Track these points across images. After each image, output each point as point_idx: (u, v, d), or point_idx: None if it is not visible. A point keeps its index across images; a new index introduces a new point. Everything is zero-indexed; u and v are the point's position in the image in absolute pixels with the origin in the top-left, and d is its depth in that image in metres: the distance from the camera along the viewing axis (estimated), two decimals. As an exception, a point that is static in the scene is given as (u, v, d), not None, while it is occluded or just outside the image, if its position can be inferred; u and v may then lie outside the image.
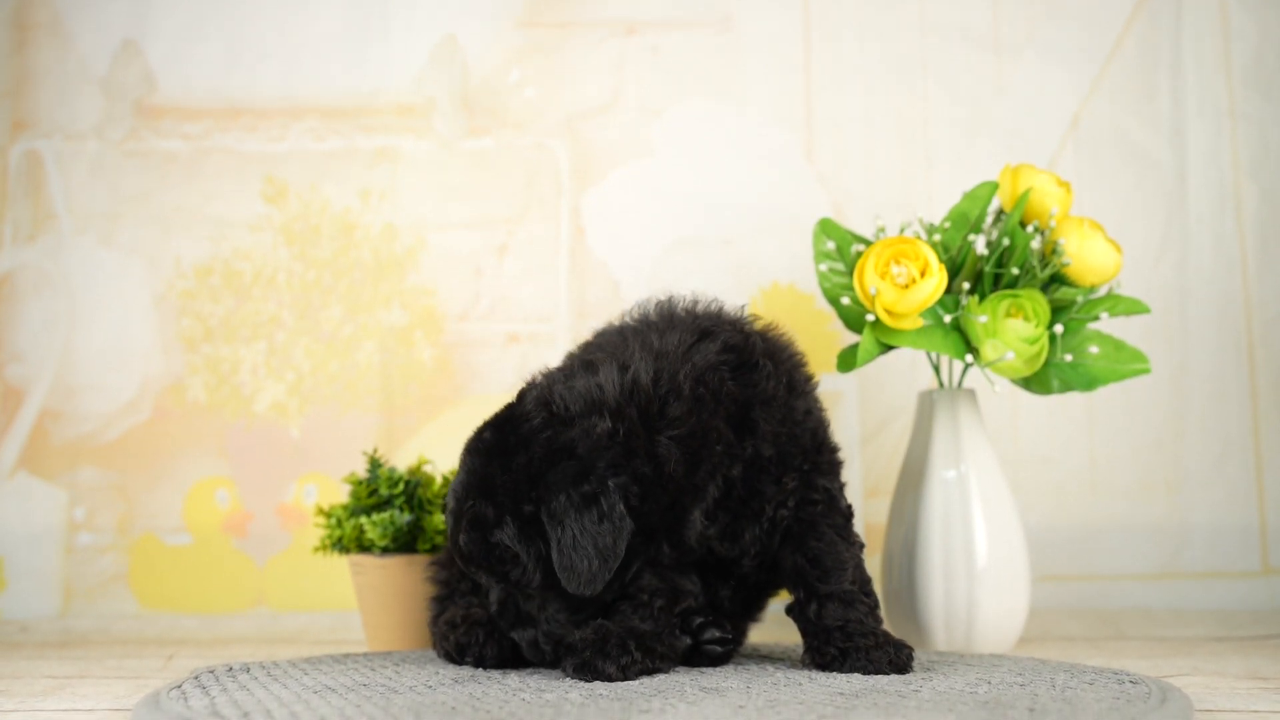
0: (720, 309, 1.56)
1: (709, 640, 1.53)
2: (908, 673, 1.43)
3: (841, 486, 1.55)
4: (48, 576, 2.26)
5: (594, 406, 1.40)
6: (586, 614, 1.43)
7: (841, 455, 1.58)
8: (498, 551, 1.39)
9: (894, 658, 1.43)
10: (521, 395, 1.45)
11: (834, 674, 1.43)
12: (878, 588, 2.19)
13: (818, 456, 1.52)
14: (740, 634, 1.68)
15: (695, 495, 1.44)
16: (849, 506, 1.55)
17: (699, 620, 1.53)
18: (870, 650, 1.43)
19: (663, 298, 1.56)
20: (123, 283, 2.33)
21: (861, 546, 1.53)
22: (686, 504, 1.43)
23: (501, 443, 1.41)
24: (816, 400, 1.56)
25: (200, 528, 2.28)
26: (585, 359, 1.49)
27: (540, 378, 1.47)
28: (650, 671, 1.41)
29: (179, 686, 1.33)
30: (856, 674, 1.43)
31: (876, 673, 1.42)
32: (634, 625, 1.42)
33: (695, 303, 1.56)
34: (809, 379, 1.56)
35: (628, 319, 1.56)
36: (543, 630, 1.43)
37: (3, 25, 2.37)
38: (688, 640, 1.53)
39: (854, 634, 1.46)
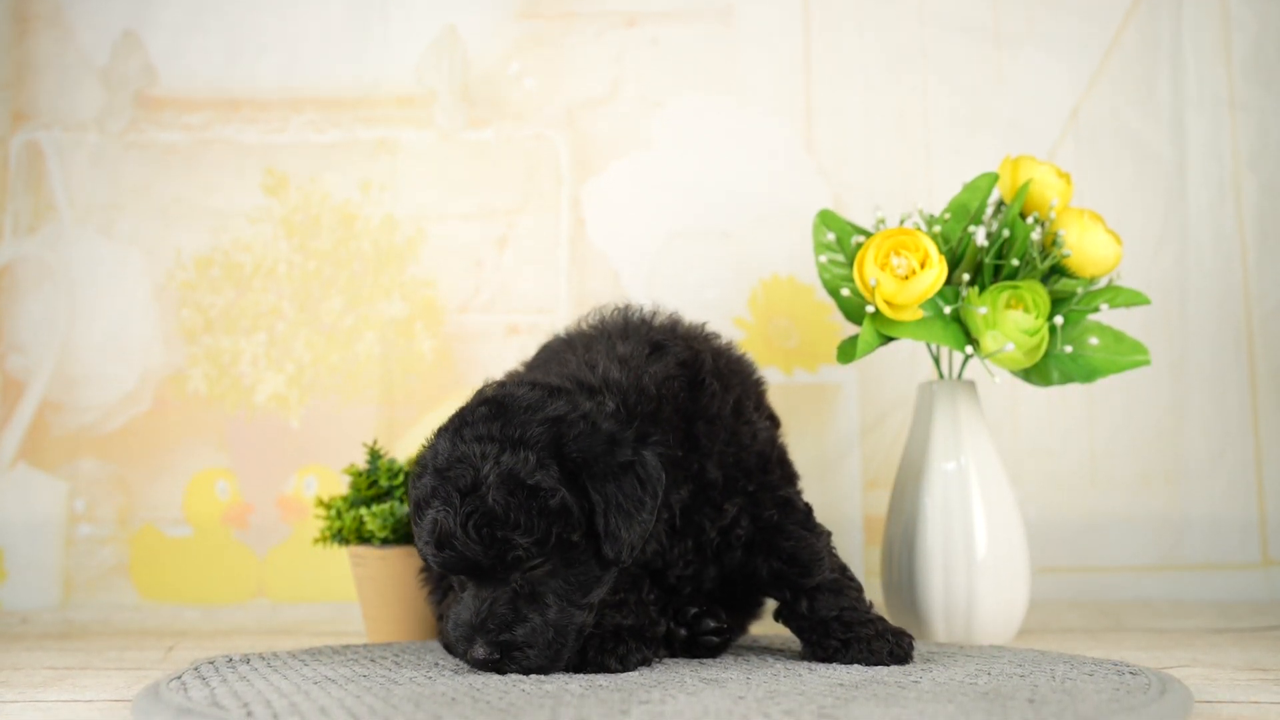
0: (676, 323, 1.56)
1: (705, 631, 1.53)
2: (908, 663, 1.43)
3: (797, 491, 1.56)
4: (48, 568, 2.26)
5: (583, 387, 1.39)
6: (592, 608, 1.37)
7: (795, 470, 1.59)
8: (542, 500, 1.28)
9: (894, 648, 1.43)
10: (482, 390, 1.40)
11: (834, 665, 1.44)
12: (877, 579, 2.20)
13: (765, 476, 1.52)
14: (739, 627, 1.68)
15: (663, 502, 1.44)
16: (807, 505, 1.55)
17: (694, 611, 1.54)
18: (871, 640, 1.44)
19: (619, 306, 1.56)
20: (123, 274, 2.33)
21: (828, 535, 1.54)
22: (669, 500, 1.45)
23: (501, 412, 1.33)
24: (767, 425, 1.55)
25: (200, 519, 2.28)
26: (545, 359, 1.52)
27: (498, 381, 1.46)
28: (646, 661, 1.41)
29: (179, 678, 1.34)
30: (857, 665, 1.43)
31: (878, 664, 1.42)
32: (619, 622, 1.42)
33: (653, 314, 1.56)
34: (759, 403, 1.55)
35: (583, 325, 1.56)
36: (550, 618, 1.33)
37: (3, 16, 2.36)
38: (684, 632, 1.53)
39: (852, 623, 1.46)
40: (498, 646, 1.32)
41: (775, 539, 1.50)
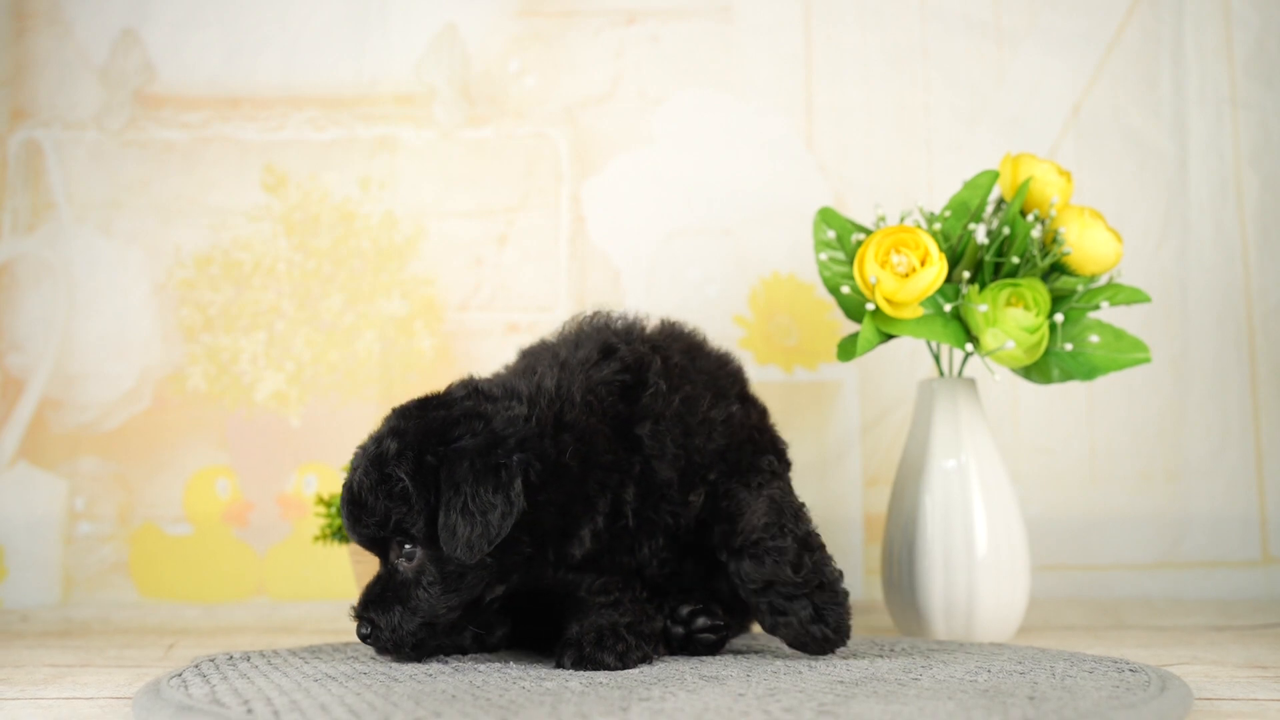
0: (633, 325, 1.54)
1: (700, 629, 1.53)
2: (836, 644, 1.42)
3: (768, 460, 1.51)
4: (48, 566, 2.26)
5: (511, 393, 1.42)
6: (457, 606, 1.39)
7: (775, 444, 1.55)
8: (388, 486, 1.35)
9: (802, 634, 1.41)
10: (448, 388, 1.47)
11: (834, 662, 1.43)
12: (877, 577, 2.20)
13: (727, 462, 1.49)
14: (740, 625, 1.68)
15: (586, 506, 1.42)
16: (772, 468, 1.50)
17: (688, 609, 1.54)
18: (792, 620, 1.42)
19: (593, 311, 1.56)
20: (122, 272, 2.33)
21: (781, 497, 1.46)
22: (578, 514, 1.42)
23: (423, 405, 1.41)
24: (737, 411, 1.52)
25: (200, 517, 2.28)
26: (519, 364, 1.54)
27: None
28: (646, 659, 1.42)
29: (179, 675, 1.34)
30: (856, 662, 1.43)
31: (803, 650, 1.43)
32: (616, 620, 1.42)
33: (620, 319, 1.55)
34: (724, 394, 1.52)
35: (564, 329, 1.57)
36: (411, 606, 1.37)
37: (2, 14, 2.36)
38: (680, 630, 1.53)
39: (781, 595, 1.43)
40: (366, 621, 1.40)
41: (719, 501, 1.47)
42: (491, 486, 1.33)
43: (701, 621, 1.53)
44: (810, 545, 1.45)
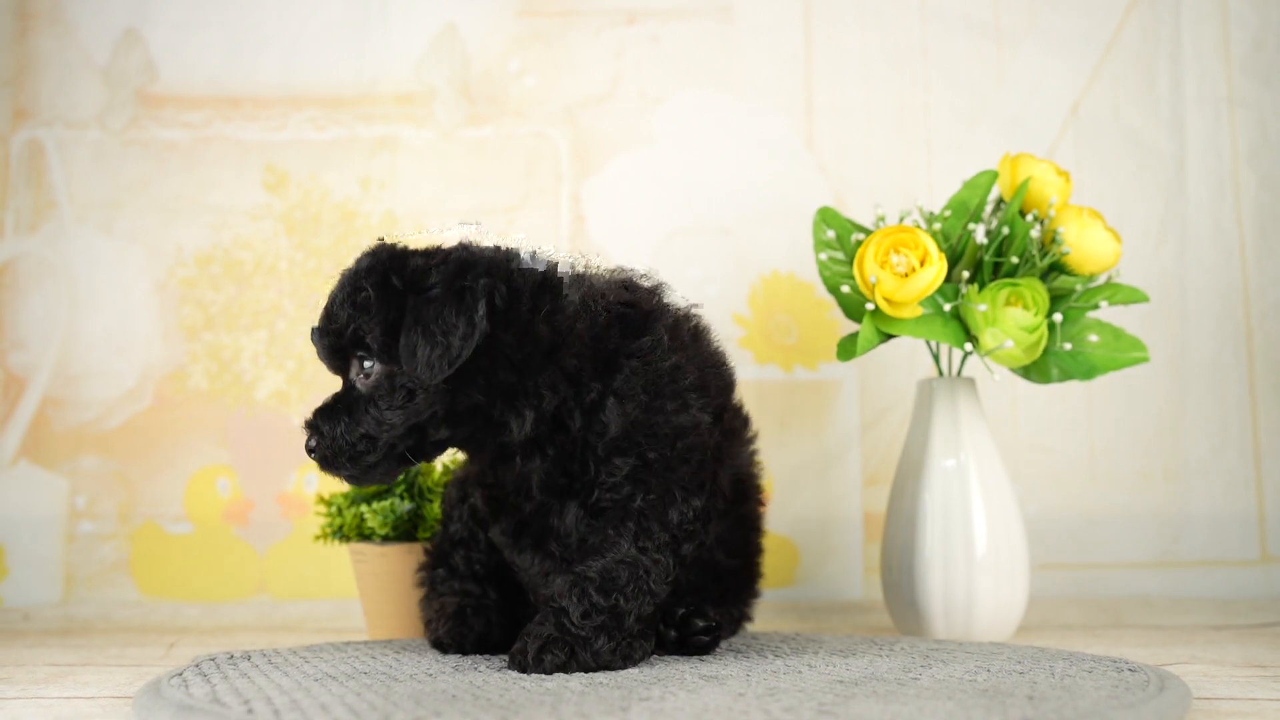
0: (660, 285, 1.51)
1: (694, 632, 1.53)
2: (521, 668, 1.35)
3: (695, 516, 1.42)
4: (49, 564, 2.26)
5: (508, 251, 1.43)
6: (400, 426, 1.37)
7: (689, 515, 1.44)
8: (354, 297, 1.36)
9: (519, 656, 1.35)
10: None
11: (834, 661, 1.44)
12: (876, 576, 2.21)
13: (670, 451, 1.42)
14: (733, 621, 1.68)
15: (536, 390, 1.39)
16: (692, 532, 1.43)
17: (681, 611, 1.54)
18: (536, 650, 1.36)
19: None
20: (124, 271, 2.33)
21: (664, 569, 1.40)
22: (528, 388, 1.38)
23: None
24: (704, 421, 1.45)
25: (201, 516, 2.28)
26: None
27: None
28: (647, 654, 1.42)
29: (180, 674, 1.34)
30: (855, 661, 1.43)
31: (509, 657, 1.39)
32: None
33: (649, 278, 1.52)
34: (698, 392, 1.45)
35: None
36: (356, 418, 1.38)
37: (4, 13, 2.36)
38: (673, 634, 1.53)
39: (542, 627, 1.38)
40: (312, 429, 1.41)
41: (610, 521, 1.42)
42: (455, 309, 1.33)
43: (697, 624, 1.54)
44: (619, 624, 1.37)
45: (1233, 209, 2.35)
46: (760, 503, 1.69)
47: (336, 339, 1.39)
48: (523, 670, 1.35)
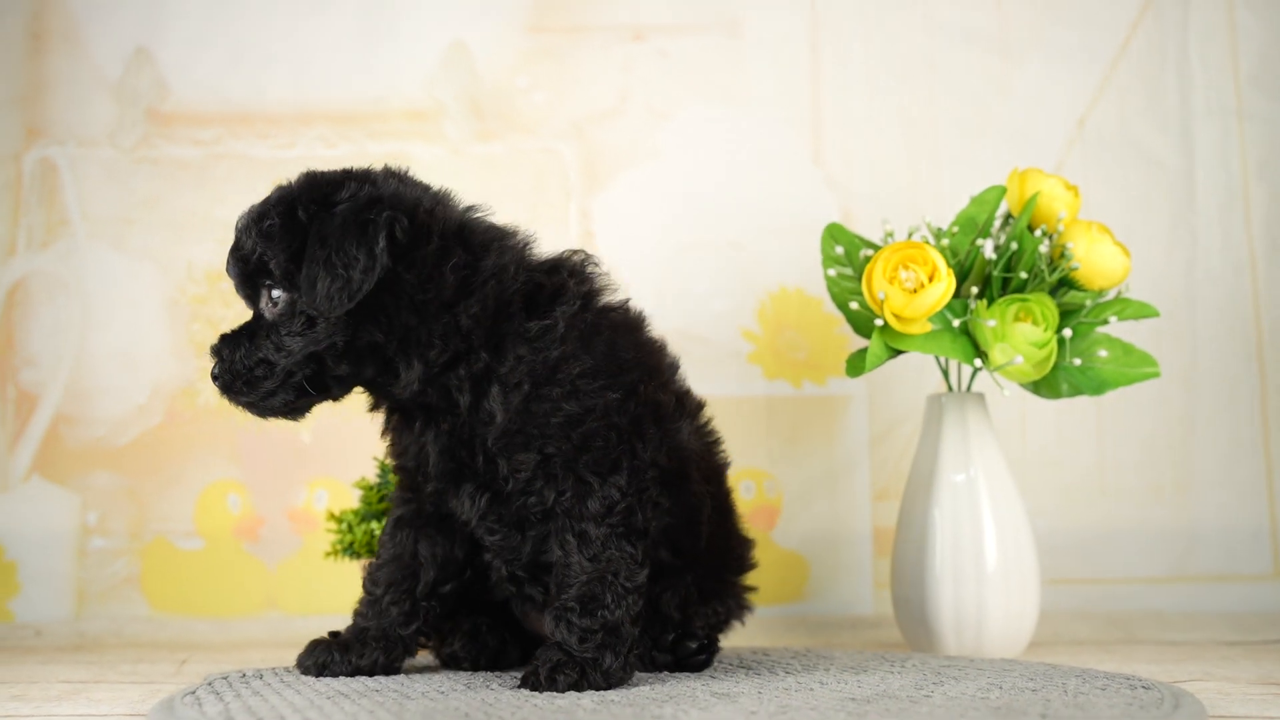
0: (591, 276, 1.49)
1: (688, 655, 1.52)
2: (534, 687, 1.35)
3: (621, 494, 1.40)
4: (61, 580, 2.27)
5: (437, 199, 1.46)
6: (298, 354, 1.38)
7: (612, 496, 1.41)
8: (260, 226, 1.38)
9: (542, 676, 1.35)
10: None
11: (845, 678, 1.44)
12: (886, 591, 2.20)
13: (567, 444, 1.39)
14: (719, 619, 1.65)
15: (430, 333, 1.39)
16: (626, 510, 1.40)
17: (671, 637, 1.53)
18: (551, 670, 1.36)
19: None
20: (135, 287, 2.34)
21: (626, 561, 1.39)
22: (421, 335, 1.39)
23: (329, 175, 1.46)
24: (602, 404, 1.41)
25: (212, 532, 2.29)
26: None
27: None
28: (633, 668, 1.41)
29: (193, 692, 1.34)
30: (867, 678, 1.43)
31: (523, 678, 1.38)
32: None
33: (595, 266, 1.51)
34: (592, 378, 1.41)
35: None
36: (256, 343, 1.40)
37: (18, 33, 2.38)
38: (668, 657, 1.53)
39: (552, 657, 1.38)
40: (215, 353, 1.44)
41: (558, 532, 1.41)
42: (356, 241, 1.34)
43: (689, 646, 1.52)
44: (618, 637, 1.38)
45: (1242, 222, 2.35)
46: (716, 484, 1.61)
47: (244, 266, 1.41)
48: (535, 690, 1.35)
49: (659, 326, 1.60)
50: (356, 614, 1.54)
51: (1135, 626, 2.18)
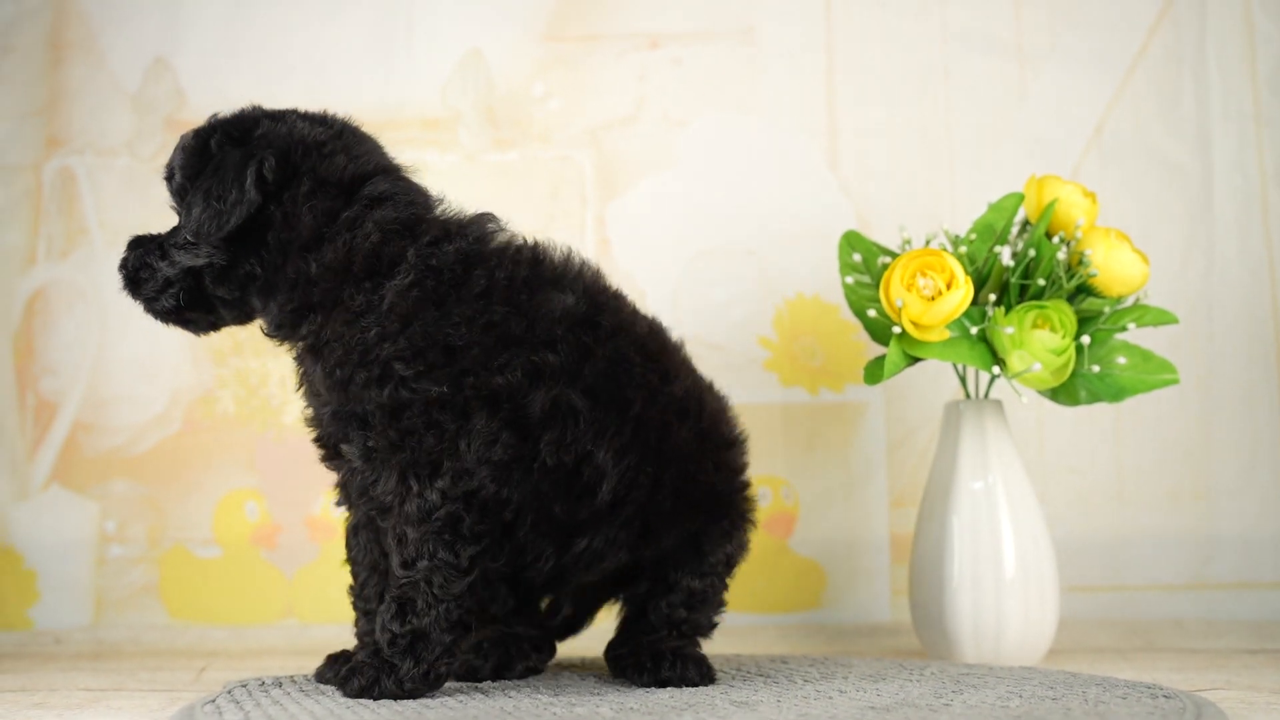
0: (547, 255, 1.53)
1: (687, 681, 1.47)
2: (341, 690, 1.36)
3: (442, 499, 1.35)
4: (80, 588, 2.28)
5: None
6: (179, 266, 1.48)
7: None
8: (182, 145, 1.49)
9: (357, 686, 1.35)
10: None
11: (865, 686, 1.43)
12: (904, 599, 2.19)
13: (384, 439, 1.36)
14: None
15: (283, 275, 1.43)
16: (434, 505, 1.35)
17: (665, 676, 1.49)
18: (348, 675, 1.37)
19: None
20: (153, 296, 2.35)
21: (441, 567, 1.35)
22: (280, 277, 1.43)
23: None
24: (423, 397, 1.35)
25: (229, 539, 2.29)
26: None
27: None
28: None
29: (213, 701, 1.35)
30: (886, 686, 1.43)
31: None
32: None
33: (562, 249, 1.55)
34: (409, 362, 1.36)
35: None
36: (156, 243, 1.51)
37: (38, 44, 2.40)
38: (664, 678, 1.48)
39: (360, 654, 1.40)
40: (126, 251, 1.54)
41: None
42: (231, 176, 1.41)
43: (691, 675, 1.47)
44: (425, 644, 1.36)
45: (1260, 227, 2.34)
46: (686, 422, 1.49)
47: (168, 179, 1.51)
48: (338, 688, 1.38)
49: (675, 334, 1.60)
50: (361, 635, 1.50)
51: (1155, 634, 2.17)
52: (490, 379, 1.37)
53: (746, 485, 1.58)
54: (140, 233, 1.56)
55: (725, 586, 1.56)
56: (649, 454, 1.44)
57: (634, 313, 1.53)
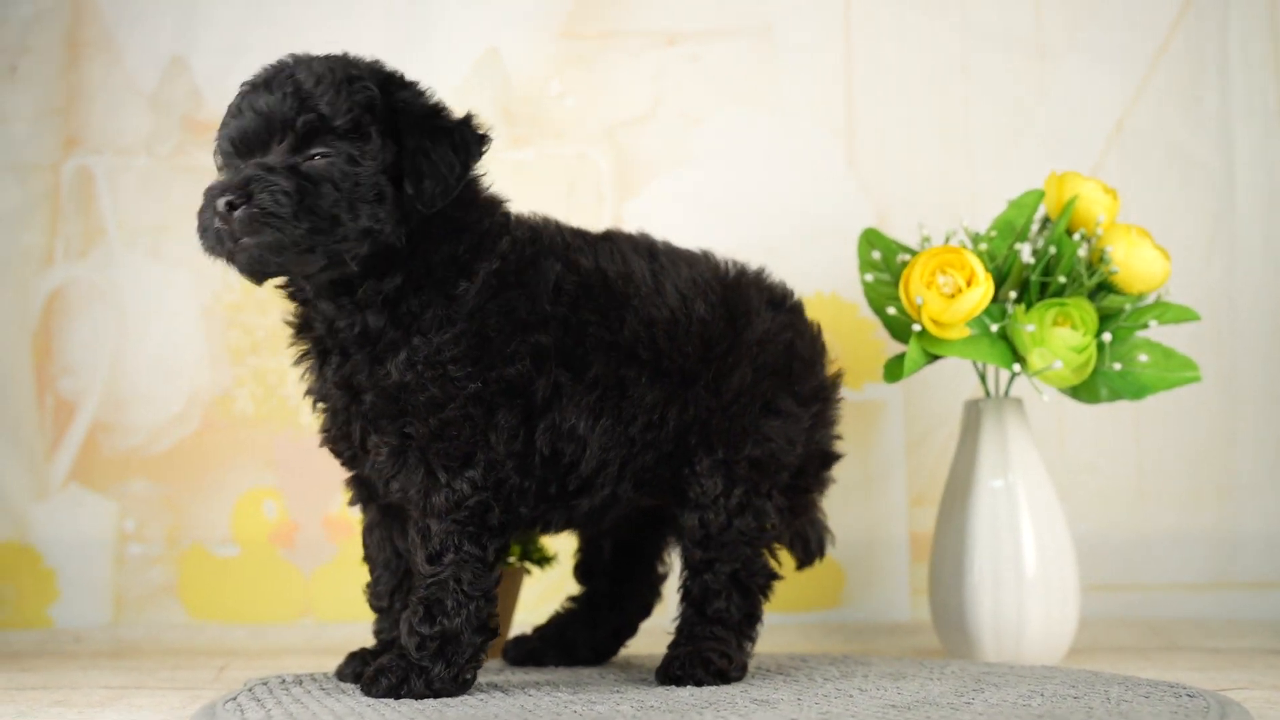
0: (556, 229, 1.61)
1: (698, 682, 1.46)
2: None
3: (467, 484, 1.37)
4: (99, 587, 2.29)
5: None
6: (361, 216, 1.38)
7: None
8: (350, 86, 1.45)
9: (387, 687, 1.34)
10: None
11: (885, 685, 1.42)
12: (924, 597, 2.18)
13: (425, 427, 1.37)
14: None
15: (384, 226, 1.39)
16: (464, 496, 1.36)
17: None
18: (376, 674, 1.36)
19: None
20: (171, 295, 2.36)
21: (473, 561, 1.36)
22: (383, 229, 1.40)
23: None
24: (465, 393, 1.38)
25: (248, 539, 2.30)
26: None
27: None
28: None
29: (234, 698, 1.35)
30: (906, 685, 1.42)
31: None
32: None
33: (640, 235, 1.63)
34: (460, 364, 1.38)
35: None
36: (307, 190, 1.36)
37: (55, 44, 2.40)
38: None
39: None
40: (238, 190, 1.37)
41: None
42: (451, 148, 1.46)
43: (702, 677, 1.46)
44: (456, 647, 1.37)
45: (1283, 224, 2.32)
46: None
47: (293, 114, 1.39)
48: (364, 692, 1.36)
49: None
50: (377, 632, 1.53)
51: (1176, 633, 2.15)
52: (505, 370, 1.40)
53: None
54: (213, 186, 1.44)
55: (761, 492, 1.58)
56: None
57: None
